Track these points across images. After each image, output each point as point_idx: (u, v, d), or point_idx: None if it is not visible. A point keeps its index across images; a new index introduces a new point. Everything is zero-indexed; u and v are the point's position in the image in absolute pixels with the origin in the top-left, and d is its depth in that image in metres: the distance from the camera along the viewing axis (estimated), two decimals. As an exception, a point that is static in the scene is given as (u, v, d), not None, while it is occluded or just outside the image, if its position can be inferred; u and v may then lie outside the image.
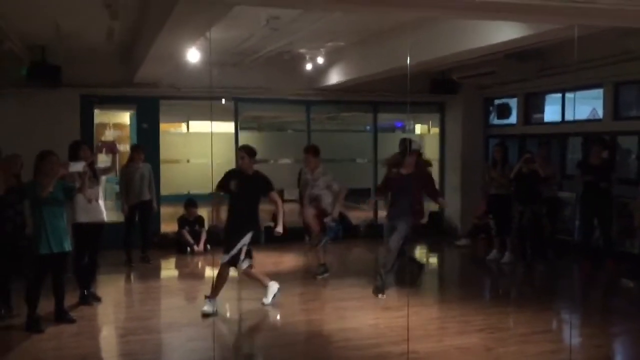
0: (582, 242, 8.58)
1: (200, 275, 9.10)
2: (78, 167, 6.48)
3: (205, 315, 6.29)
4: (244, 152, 6.67)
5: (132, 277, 8.72)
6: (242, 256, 6.49)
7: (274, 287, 6.84)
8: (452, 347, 5.45)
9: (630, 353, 5.67)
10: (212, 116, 10.66)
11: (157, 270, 9.29)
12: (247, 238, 6.47)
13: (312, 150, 8.21)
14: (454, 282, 9.06)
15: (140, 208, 9.25)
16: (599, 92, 9.63)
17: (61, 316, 6.12)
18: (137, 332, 5.97)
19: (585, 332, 5.90)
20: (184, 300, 7.53)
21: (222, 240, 6.81)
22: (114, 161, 7.23)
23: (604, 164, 8.22)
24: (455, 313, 6.60)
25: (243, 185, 6.55)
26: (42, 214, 5.91)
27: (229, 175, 6.74)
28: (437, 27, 7.22)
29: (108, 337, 6.11)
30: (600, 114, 9.63)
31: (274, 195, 6.73)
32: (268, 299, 6.76)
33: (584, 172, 8.14)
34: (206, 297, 6.46)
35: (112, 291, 7.94)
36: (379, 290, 7.18)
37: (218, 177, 11.34)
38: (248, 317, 6.63)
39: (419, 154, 7.46)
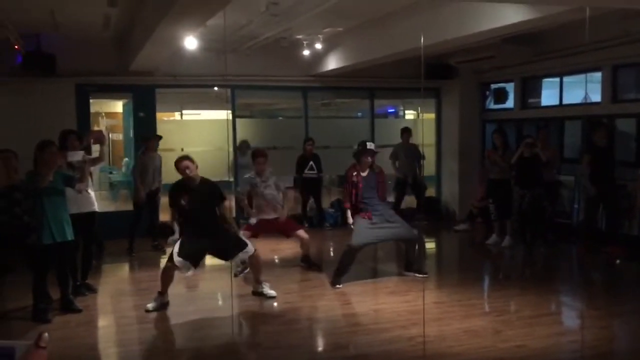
0: (585, 225, 8.61)
1: (201, 263, 9.05)
2: (77, 156, 6.45)
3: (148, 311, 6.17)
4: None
5: (135, 266, 8.67)
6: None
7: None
8: (461, 330, 5.48)
9: (634, 331, 5.72)
10: (227, 103, 10.69)
11: (158, 259, 9.25)
12: None
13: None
14: (455, 267, 9.10)
15: (149, 197, 9.24)
16: (590, 76, 9.69)
17: (67, 306, 6.09)
18: (145, 320, 5.96)
19: (590, 313, 5.94)
20: (187, 289, 7.52)
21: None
22: (102, 151, 7.13)
23: (607, 147, 8.26)
24: (459, 297, 6.63)
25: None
26: (43, 204, 5.86)
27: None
28: (440, 11, 7.19)
29: (116, 325, 6.07)
30: (592, 97, 9.69)
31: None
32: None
33: (592, 156, 8.15)
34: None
35: (114, 281, 7.94)
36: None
37: (214, 165, 11.39)
38: (253, 304, 6.61)
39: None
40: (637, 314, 6.15)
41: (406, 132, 11.20)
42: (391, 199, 10.60)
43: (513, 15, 6.21)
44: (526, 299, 6.53)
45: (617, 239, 8.33)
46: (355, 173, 7.20)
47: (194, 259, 6.29)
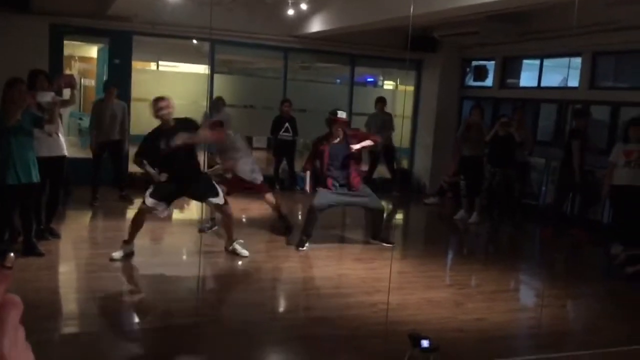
0: (555, 208, 8.74)
1: (167, 217, 8.98)
2: (47, 97, 6.27)
3: (113, 260, 6.08)
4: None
5: (101, 214, 8.54)
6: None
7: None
8: (423, 300, 5.56)
9: (590, 313, 5.87)
10: (206, 58, 10.44)
11: (125, 208, 9.14)
12: None
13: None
14: (422, 239, 9.21)
15: (109, 147, 8.95)
16: (570, 61, 9.77)
17: (29, 249, 5.98)
18: (108, 269, 5.90)
19: (550, 293, 6.07)
20: (151, 241, 7.46)
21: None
22: (72, 94, 6.94)
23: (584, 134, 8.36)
24: (424, 268, 6.71)
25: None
26: (10, 143, 5.70)
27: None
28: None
29: (79, 272, 6.01)
30: (570, 82, 9.78)
31: None
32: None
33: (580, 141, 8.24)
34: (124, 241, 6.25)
35: (79, 227, 7.84)
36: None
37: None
38: (217, 262, 6.59)
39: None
40: (595, 296, 6.33)
41: (380, 101, 11.17)
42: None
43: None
44: (489, 274, 6.64)
45: (582, 223, 8.50)
46: (325, 143, 7.06)
47: (168, 200, 6.21)
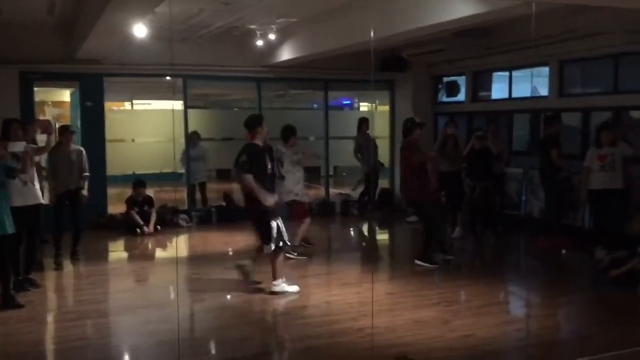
0: (547, 216, 8.81)
1: (150, 257, 8.91)
2: (18, 147, 6.22)
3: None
4: None
5: (80, 260, 8.38)
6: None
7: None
8: (411, 321, 5.52)
9: (578, 320, 5.87)
10: (179, 93, 10.43)
11: (105, 252, 9.03)
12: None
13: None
14: (407, 258, 9.13)
15: (69, 197, 7.91)
16: (537, 71, 9.92)
17: (8, 302, 5.86)
18: (90, 315, 5.79)
19: (537, 302, 6.09)
20: (135, 283, 7.38)
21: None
22: (48, 140, 6.83)
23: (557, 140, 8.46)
24: (411, 288, 6.69)
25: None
26: (-18, 195, 5.64)
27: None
28: (393, 4, 7.20)
29: (60, 321, 5.88)
30: (540, 91, 9.91)
31: None
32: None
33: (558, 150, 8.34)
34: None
35: (59, 275, 7.68)
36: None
37: (166, 156, 11.19)
38: (204, 298, 6.51)
39: None
40: (582, 302, 6.34)
41: (365, 122, 11.32)
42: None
43: (462, 9, 6.27)
44: (475, 289, 6.63)
45: (561, 230, 8.54)
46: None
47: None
